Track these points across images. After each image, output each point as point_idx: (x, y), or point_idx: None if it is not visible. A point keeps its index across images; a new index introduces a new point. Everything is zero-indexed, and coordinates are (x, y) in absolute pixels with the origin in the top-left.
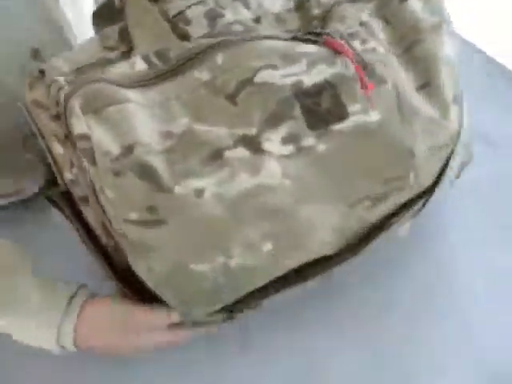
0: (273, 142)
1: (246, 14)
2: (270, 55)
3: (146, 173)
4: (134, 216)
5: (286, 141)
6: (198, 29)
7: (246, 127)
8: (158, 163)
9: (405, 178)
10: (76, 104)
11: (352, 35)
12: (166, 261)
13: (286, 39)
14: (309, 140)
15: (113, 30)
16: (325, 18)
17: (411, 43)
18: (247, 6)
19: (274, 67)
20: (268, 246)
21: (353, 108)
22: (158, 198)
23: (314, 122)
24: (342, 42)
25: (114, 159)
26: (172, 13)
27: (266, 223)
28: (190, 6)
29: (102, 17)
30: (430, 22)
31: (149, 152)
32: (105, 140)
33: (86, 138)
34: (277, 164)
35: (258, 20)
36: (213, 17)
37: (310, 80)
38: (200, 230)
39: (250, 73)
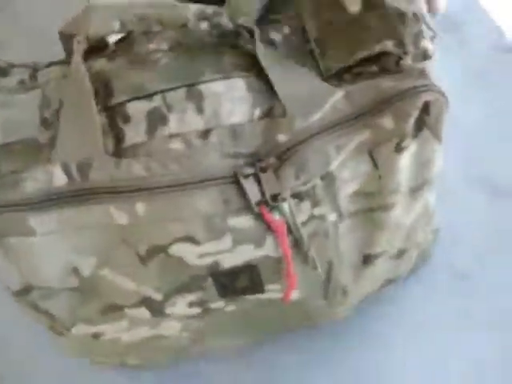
0: (178, 306)
1: (194, 124)
2: (195, 221)
3: (43, 313)
4: None
5: (192, 305)
6: (134, 132)
7: (153, 290)
8: (56, 306)
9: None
10: None
11: (303, 195)
12: None
13: (223, 180)
14: (218, 303)
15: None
16: (282, 156)
17: (378, 207)
18: (200, 111)
19: (194, 241)
20: None
21: (271, 287)
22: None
23: (225, 293)
24: (279, 218)
25: (13, 293)
26: (113, 100)
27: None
28: (132, 99)
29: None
30: (411, 184)
31: (47, 296)
32: (5, 273)
33: None
34: (177, 322)
35: (206, 134)
36: (154, 121)
37: (230, 262)
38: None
39: (165, 240)
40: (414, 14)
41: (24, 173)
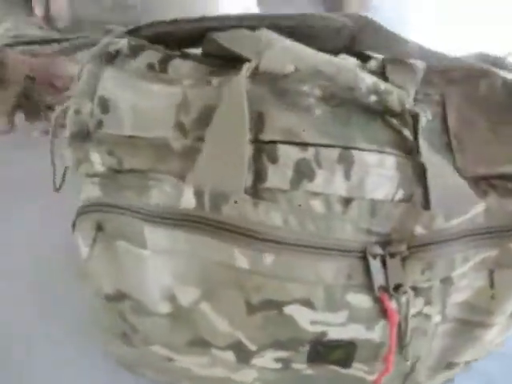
0: (265, 359)
1: (338, 188)
2: (317, 287)
3: (128, 324)
4: None
5: (278, 361)
6: (278, 177)
7: (248, 340)
8: (143, 323)
9: None
10: (88, 225)
11: (420, 291)
12: None
13: (352, 254)
14: (301, 365)
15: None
16: (414, 248)
17: (481, 323)
18: (347, 176)
19: (312, 307)
20: None
21: (358, 366)
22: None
23: (315, 360)
24: (394, 306)
25: (104, 296)
26: (265, 135)
27: None
28: (285, 142)
29: None
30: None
31: (137, 311)
32: (102, 273)
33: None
34: (255, 372)
35: (347, 203)
36: (301, 173)
37: (337, 335)
38: None
39: (284, 297)
40: None
41: (151, 179)
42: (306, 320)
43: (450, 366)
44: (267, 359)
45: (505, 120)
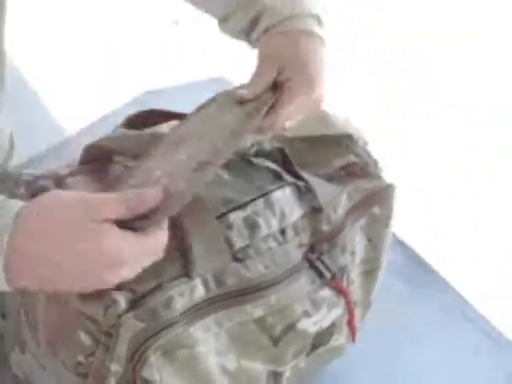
0: (287, 368)
1: (274, 226)
2: (304, 299)
3: None
4: None
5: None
6: (239, 237)
7: (278, 366)
8: None
9: None
10: (152, 356)
11: (344, 270)
12: None
13: (301, 266)
14: (301, 363)
15: None
16: (331, 241)
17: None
18: (274, 214)
19: (308, 314)
20: None
21: (333, 337)
22: None
23: (311, 351)
24: (343, 283)
25: None
26: (214, 212)
27: None
28: (232, 209)
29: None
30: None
31: None
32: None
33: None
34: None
35: (283, 232)
36: (251, 226)
37: (326, 323)
38: None
39: (293, 319)
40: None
41: (170, 289)
42: (311, 325)
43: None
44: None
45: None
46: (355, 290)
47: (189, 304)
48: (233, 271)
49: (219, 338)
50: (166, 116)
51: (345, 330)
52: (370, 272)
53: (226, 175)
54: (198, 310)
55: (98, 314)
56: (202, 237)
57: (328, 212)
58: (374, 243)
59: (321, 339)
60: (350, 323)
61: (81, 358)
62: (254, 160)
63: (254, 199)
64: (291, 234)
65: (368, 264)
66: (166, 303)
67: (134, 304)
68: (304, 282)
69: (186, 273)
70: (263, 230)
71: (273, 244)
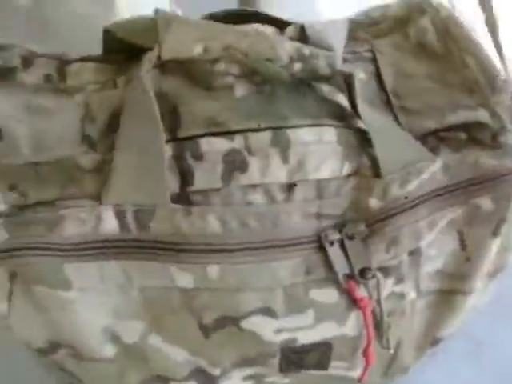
0: (232, 381)
1: (277, 175)
2: (274, 292)
3: (69, 373)
4: None
5: (247, 379)
6: (207, 175)
7: (209, 364)
8: (87, 373)
9: None
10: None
11: (389, 270)
12: None
13: (306, 245)
14: (274, 378)
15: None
16: (374, 224)
17: (460, 290)
18: (285, 159)
19: (272, 314)
20: None
21: (337, 364)
22: None
23: (289, 369)
24: (365, 293)
25: (36, 350)
26: (182, 132)
27: None
28: (207, 134)
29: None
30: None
31: (77, 357)
32: (29, 325)
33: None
34: None
35: (290, 188)
36: (232, 165)
37: (307, 338)
38: None
39: (238, 312)
40: (505, 81)
41: (62, 208)
42: (269, 330)
43: (435, 341)
44: (235, 380)
45: (442, 64)
46: (412, 316)
47: (85, 237)
48: (168, 216)
49: (127, 297)
50: None
51: (360, 359)
52: (445, 294)
53: (242, 89)
54: (96, 249)
55: None
56: (138, 157)
57: (387, 181)
58: (469, 253)
59: (304, 358)
60: (365, 352)
61: None
62: (300, 79)
63: (259, 129)
64: (301, 197)
65: (451, 281)
66: (51, 224)
67: (15, 213)
68: (289, 266)
69: (98, 195)
70: (249, 176)
71: (258, 199)
